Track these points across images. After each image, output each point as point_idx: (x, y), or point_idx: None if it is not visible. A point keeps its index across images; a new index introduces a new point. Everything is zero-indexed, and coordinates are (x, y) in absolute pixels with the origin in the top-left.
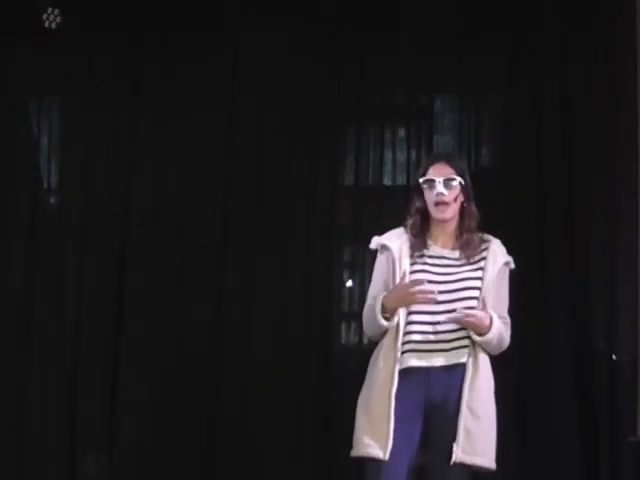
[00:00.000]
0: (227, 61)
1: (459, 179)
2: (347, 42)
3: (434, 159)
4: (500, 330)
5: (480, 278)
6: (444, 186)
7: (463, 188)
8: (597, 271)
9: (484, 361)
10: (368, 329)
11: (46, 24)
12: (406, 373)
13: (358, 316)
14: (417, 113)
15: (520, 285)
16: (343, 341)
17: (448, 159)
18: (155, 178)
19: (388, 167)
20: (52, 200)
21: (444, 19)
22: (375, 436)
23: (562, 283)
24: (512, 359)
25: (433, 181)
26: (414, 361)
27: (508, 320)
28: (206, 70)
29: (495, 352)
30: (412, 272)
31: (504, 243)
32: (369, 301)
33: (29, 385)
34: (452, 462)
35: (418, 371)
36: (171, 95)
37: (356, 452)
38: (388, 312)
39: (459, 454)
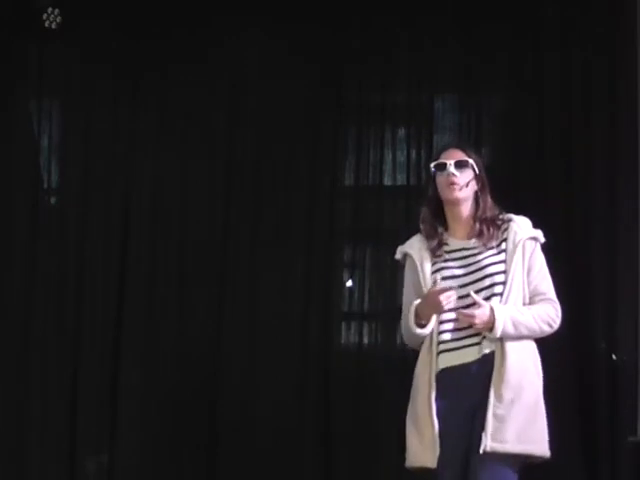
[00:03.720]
0: (227, 61)
1: (472, 162)
2: (347, 42)
3: (447, 146)
4: (514, 316)
5: (503, 261)
6: (455, 167)
7: (477, 176)
8: (597, 271)
9: (512, 347)
10: (407, 339)
11: (46, 24)
12: (444, 375)
13: (358, 316)
14: (417, 113)
15: None
16: (343, 341)
17: (460, 145)
18: (155, 178)
19: (388, 167)
20: (52, 200)
21: (444, 19)
22: (422, 444)
23: (561, 283)
24: None
25: (444, 164)
26: (448, 361)
27: (549, 296)
28: (206, 70)
29: (535, 336)
30: (434, 272)
31: None
32: (404, 311)
33: (29, 385)
34: (481, 451)
35: (454, 371)
36: (171, 95)
37: (408, 462)
38: (423, 319)
39: (489, 443)
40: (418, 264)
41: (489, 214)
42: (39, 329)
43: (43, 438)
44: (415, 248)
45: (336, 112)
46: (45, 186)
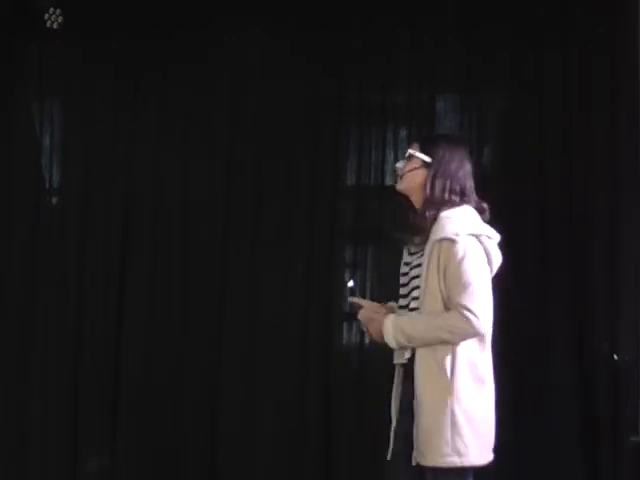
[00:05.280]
0: (227, 61)
1: (420, 155)
2: (348, 42)
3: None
4: (405, 328)
5: (421, 265)
6: (404, 159)
7: (429, 170)
8: (598, 271)
9: (421, 355)
10: None
11: (47, 24)
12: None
13: (354, 315)
14: (419, 113)
15: (520, 285)
16: (344, 341)
17: (421, 139)
18: (155, 178)
19: (390, 167)
20: (54, 200)
21: (445, 19)
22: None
23: (563, 283)
24: (512, 359)
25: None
26: (394, 359)
27: (456, 301)
28: (206, 70)
29: (443, 342)
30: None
31: (504, 243)
32: None
33: (29, 385)
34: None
35: (395, 368)
36: (171, 95)
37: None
38: None
39: (414, 454)
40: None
41: (431, 211)
42: (39, 329)
43: (44, 438)
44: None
45: (337, 112)
46: (46, 186)
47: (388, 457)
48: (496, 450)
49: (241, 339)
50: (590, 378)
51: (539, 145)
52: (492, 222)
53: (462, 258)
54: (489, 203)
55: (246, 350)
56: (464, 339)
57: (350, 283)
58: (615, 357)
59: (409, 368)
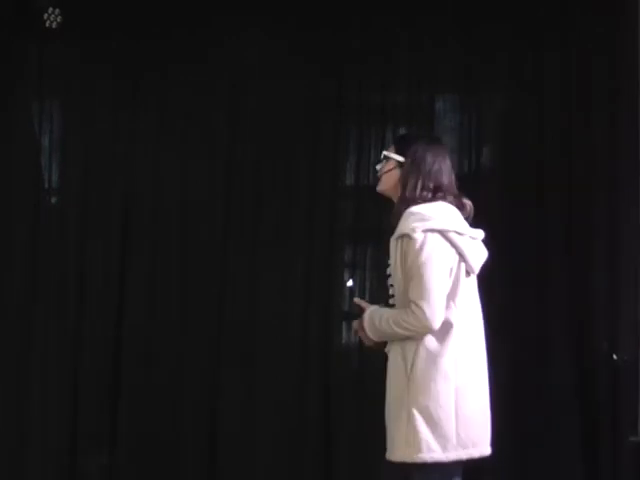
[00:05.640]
0: (227, 61)
1: (394, 156)
2: (347, 42)
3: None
4: (374, 322)
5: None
6: (382, 161)
7: (402, 169)
8: (597, 271)
9: (392, 348)
10: None
11: (47, 24)
12: None
13: (359, 316)
14: (418, 113)
15: (520, 285)
16: (343, 341)
17: (396, 140)
18: (155, 178)
19: None
20: (53, 200)
21: (444, 19)
22: None
23: (563, 283)
24: (512, 359)
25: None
26: None
27: (409, 298)
28: (206, 70)
29: (404, 336)
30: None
31: (504, 243)
32: None
33: (29, 384)
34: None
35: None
36: (171, 95)
37: None
38: None
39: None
40: None
41: (400, 209)
42: (39, 329)
43: (43, 438)
44: None
45: (336, 112)
46: (46, 186)
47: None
48: (493, 445)
49: (241, 339)
50: (590, 378)
51: (539, 145)
52: (491, 222)
53: (417, 254)
54: (489, 203)
55: (246, 350)
56: (418, 334)
57: (349, 283)
58: (614, 357)
59: None
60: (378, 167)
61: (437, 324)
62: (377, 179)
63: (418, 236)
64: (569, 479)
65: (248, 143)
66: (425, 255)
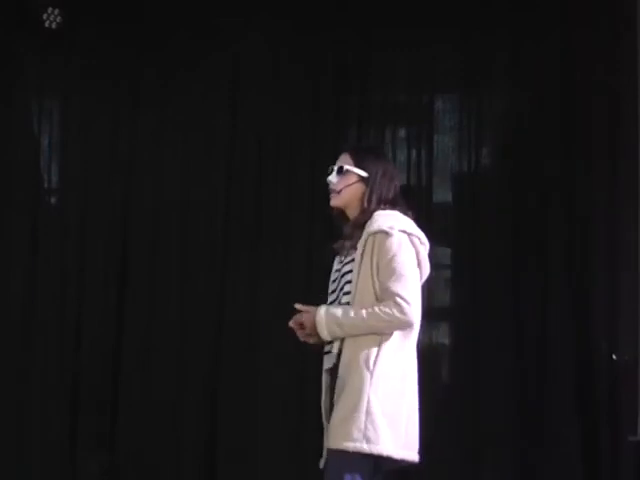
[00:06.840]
0: (227, 61)
1: (356, 170)
2: (348, 42)
3: (343, 149)
4: (339, 318)
5: (354, 260)
6: (336, 173)
7: (366, 184)
8: (597, 271)
9: (349, 344)
10: None
11: (46, 24)
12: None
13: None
14: (418, 113)
15: (520, 285)
16: None
17: (352, 149)
18: (155, 178)
19: None
20: (53, 200)
21: (445, 19)
22: None
23: (563, 283)
24: (512, 359)
25: (329, 170)
26: (324, 364)
27: (390, 291)
28: (206, 71)
29: (378, 332)
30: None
31: (504, 242)
32: None
33: (29, 385)
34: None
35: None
36: (171, 96)
37: None
38: None
39: (325, 440)
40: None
41: (362, 220)
42: (39, 329)
43: (43, 438)
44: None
45: (336, 112)
46: (46, 186)
47: (320, 465)
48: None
49: (241, 339)
50: (590, 378)
51: (539, 145)
52: (491, 222)
53: (397, 250)
54: (489, 203)
55: (245, 350)
56: (398, 328)
57: None
58: (614, 357)
59: (335, 372)
60: (334, 180)
61: (417, 319)
62: (329, 193)
63: (396, 234)
64: (569, 479)
65: (248, 143)
66: (405, 254)
